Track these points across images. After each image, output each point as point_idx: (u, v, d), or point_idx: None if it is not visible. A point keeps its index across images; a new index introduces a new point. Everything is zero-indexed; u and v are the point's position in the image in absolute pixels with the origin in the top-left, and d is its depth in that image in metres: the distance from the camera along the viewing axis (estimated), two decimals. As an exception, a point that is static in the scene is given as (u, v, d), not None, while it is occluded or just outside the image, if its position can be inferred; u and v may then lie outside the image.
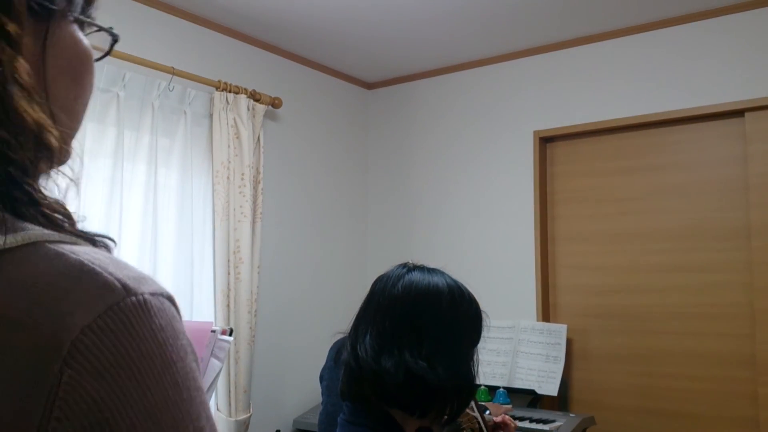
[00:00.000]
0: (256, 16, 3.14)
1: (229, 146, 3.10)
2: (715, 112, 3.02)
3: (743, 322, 2.93)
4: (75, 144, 0.56)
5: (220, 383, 2.98)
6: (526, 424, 2.79)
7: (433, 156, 3.84)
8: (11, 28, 0.50)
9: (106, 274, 0.46)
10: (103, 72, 2.65)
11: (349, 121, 4.00)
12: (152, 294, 0.48)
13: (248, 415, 3.07)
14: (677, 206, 3.13)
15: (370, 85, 4.12)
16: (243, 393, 3.04)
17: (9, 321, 0.44)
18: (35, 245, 0.47)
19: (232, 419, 3.00)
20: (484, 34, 3.35)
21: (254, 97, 3.24)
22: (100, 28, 0.61)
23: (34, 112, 0.49)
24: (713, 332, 3.00)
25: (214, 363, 1.31)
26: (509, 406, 2.98)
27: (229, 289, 3.05)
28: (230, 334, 1.36)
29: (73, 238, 0.50)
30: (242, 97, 3.17)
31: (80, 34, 0.59)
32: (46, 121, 0.50)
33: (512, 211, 3.51)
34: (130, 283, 0.47)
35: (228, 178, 3.08)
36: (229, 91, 3.13)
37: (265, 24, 3.24)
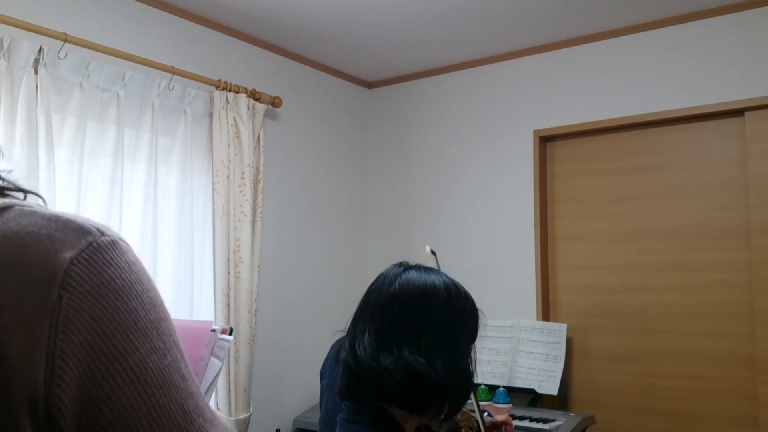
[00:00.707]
0: (256, 15, 3.14)
1: (229, 145, 3.10)
2: (715, 112, 3.02)
3: (743, 321, 2.93)
4: None
5: (220, 382, 2.99)
6: (526, 424, 2.79)
7: (433, 155, 3.84)
8: None
9: (80, 221, 0.57)
10: (103, 71, 2.65)
11: (349, 120, 4.00)
12: (119, 238, 0.58)
13: (248, 414, 3.07)
14: (677, 206, 3.13)
15: (370, 85, 4.12)
16: (243, 392, 3.04)
17: (4, 263, 0.52)
18: (9, 207, 0.57)
19: (232, 418, 3.00)
20: (484, 33, 3.35)
21: (254, 96, 3.24)
22: None
23: None
24: (713, 332, 3.00)
25: (214, 362, 1.31)
26: (509, 406, 2.99)
27: (229, 289, 3.05)
28: (230, 334, 1.36)
29: (31, 202, 0.60)
30: (242, 96, 3.17)
31: None
32: None
33: (512, 211, 3.51)
34: (101, 227, 0.57)
35: (228, 177, 3.08)
36: (229, 90, 3.13)
37: (265, 23, 3.24)
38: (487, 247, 3.59)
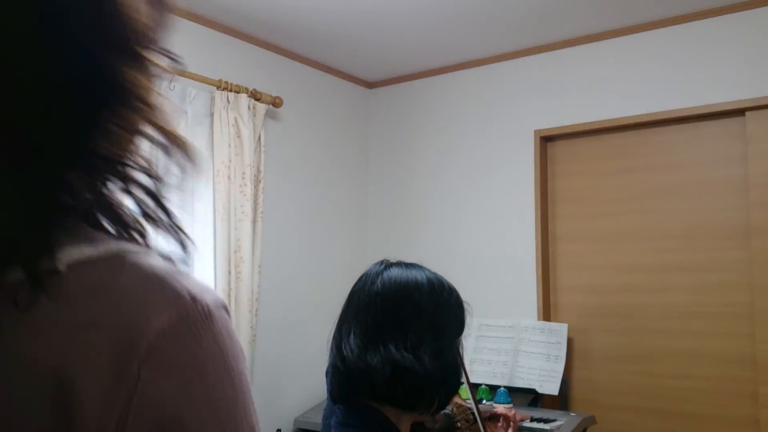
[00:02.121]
0: (257, 15, 3.14)
1: (229, 145, 3.10)
2: (715, 112, 3.02)
3: (743, 321, 2.93)
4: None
5: (221, 382, 2.98)
6: (526, 423, 2.79)
7: (433, 155, 3.84)
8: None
9: (176, 285, 0.53)
10: (104, 71, 2.65)
11: (350, 120, 4.00)
12: (214, 303, 0.54)
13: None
14: (677, 206, 3.13)
15: (370, 85, 4.12)
16: (244, 392, 3.04)
17: (91, 324, 0.50)
18: (115, 257, 0.53)
19: (233, 418, 3.00)
20: (485, 33, 3.35)
21: (255, 96, 3.25)
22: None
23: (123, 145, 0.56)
24: (713, 332, 3.00)
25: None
26: (510, 406, 2.99)
27: (229, 289, 3.05)
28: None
29: (146, 250, 0.56)
30: (243, 96, 3.17)
31: None
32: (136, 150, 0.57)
33: (513, 211, 3.51)
34: (195, 291, 0.53)
35: (229, 177, 3.08)
36: (230, 91, 3.14)
37: (266, 23, 3.24)
38: (487, 246, 3.59)
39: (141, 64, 0.58)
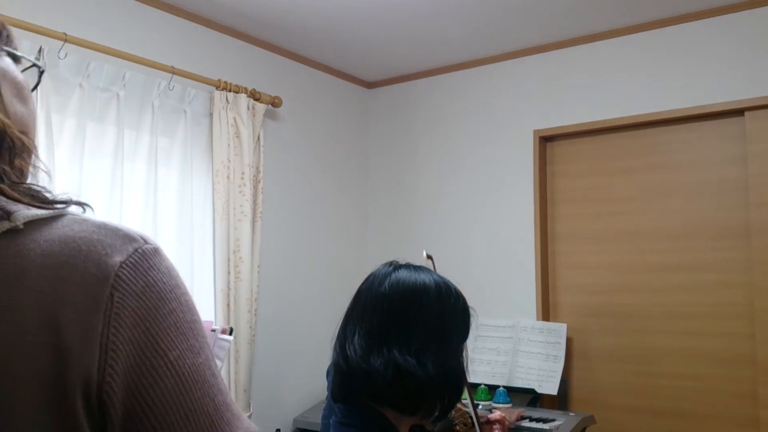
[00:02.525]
0: (256, 15, 3.14)
1: (229, 145, 3.10)
2: (715, 112, 3.02)
3: (743, 321, 2.93)
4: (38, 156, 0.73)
5: (220, 382, 2.98)
6: (526, 423, 2.79)
7: (433, 155, 3.84)
8: None
9: (125, 229, 0.64)
10: (103, 71, 2.65)
11: (349, 120, 4.00)
12: (157, 245, 0.66)
13: (248, 414, 3.07)
14: (677, 206, 3.13)
15: (370, 84, 4.12)
16: (243, 392, 3.04)
17: (63, 263, 0.59)
18: (62, 215, 0.64)
19: (232, 418, 3.00)
20: (484, 33, 3.34)
21: (254, 96, 3.24)
22: (28, 59, 0.77)
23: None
24: (713, 332, 3.00)
25: (214, 362, 1.31)
26: (509, 406, 2.99)
27: (229, 289, 3.05)
28: (230, 333, 1.36)
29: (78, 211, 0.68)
30: (242, 96, 3.17)
31: (11, 67, 0.73)
32: (6, 123, 0.66)
33: (512, 211, 3.51)
34: (144, 236, 0.65)
35: (228, 177, 3.08)
36: (229, 90, 3.13)
37: (265, 23, 3.24)
38: (487, 247, 3.59)
39: None
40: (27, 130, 0.70)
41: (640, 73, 3.21)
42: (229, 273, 3.05)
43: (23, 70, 0.75)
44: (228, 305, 3.04)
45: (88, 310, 0.58)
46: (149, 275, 0.62)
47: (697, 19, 3.07)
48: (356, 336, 1.24)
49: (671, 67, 3.13)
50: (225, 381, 2.97)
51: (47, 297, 0.58)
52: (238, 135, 3.14)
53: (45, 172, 0.71)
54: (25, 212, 0.62)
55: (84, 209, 0.69)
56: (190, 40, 3.10)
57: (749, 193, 2.94)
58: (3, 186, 0.64)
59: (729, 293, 2.98)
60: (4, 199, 0.63)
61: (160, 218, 2.84)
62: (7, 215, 0.61)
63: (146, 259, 0.63)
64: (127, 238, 0.63)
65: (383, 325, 1.23)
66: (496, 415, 1.65)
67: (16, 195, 0.64)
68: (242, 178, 3.13)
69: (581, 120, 3.35)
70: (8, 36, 0.74)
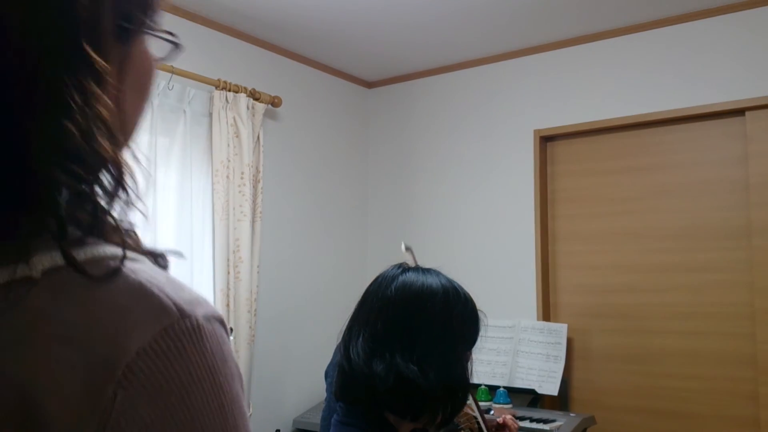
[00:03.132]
0: (256, 14, 3.14)
1: (228, 145, 3.09)
2: (715, 112, 3.01)
3: (744, 321, 2.92)
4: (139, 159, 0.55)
5: (220, 383, 2.98)
6: (526, 424, 2.79)
7: (433, 155, 3.83)
8: (100, 65, 0.49)
9: (162, 297, 0.47)
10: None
11: (349, 119, 3.99)
12: (205, 318, 0.49)
13: (248, 414, 3.06)
14: (677, 205, 3.13)
15: (370, 84, 4.11)
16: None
17: (64, 338, 0.45)
18: (96, 262, 0.48)
19: (232, 419, 2.99)
20: (484, 33, 3.34)
21: (254, 95, 3.24)
22: (165, 39, 0.60)
23: (112, 152, 0.49)
24: (713, 332, 2.99)
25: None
26: (509, 406, 2.98)
27: (228, 289, 3.04)
28: (230, 334, 1.36)
29: (136, 255, 0.51)
30: (242, 95, 3.16)
31: (148, 47, 0.58)
32: (121, 158, 0.50)
33: (512, 211, 3.51)
34: (185, 306, 0.48)
35: (228, 177, 3.08)
36: (229, 90, 3.13)
37: (265, 22, 3.23)
38: (487, 247, 3.58)
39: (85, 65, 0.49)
40: (129, 128, 0.55)
41: (640, 73, 3.20)
42: (228, 273, 3.05)
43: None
44: (228, 305, 3.04)
45: (80, 408, 0.44)
46: (173, 367, 0.46)
47: (697, 19, 3.07)
48: (360, 339, 1.23)
49: (671, 67, 3.12)
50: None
51: (33, 377, 0.44)
52: (237, 135, 3.14)
53: (144, 214, 0.55)
54: (47, 256, 0.47)
55: (159, 261, 0.54)
56: (189, 40, 3.09)
57: (750, 193, 2.94)
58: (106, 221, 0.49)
59: (730, 293, 2.97)
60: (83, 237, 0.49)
61: (159, 218, 2.84)
62: (26, 255, 0.47)
63: (175, 344, 0.46)
64: (160, 311, 0.47)
65: (387, 330, 1.22)
66: (502, 418, 1.64)
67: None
68: (242, 178, 3.12)
69: (581, 120, 3.34)
70: (152, 7, 0.59)
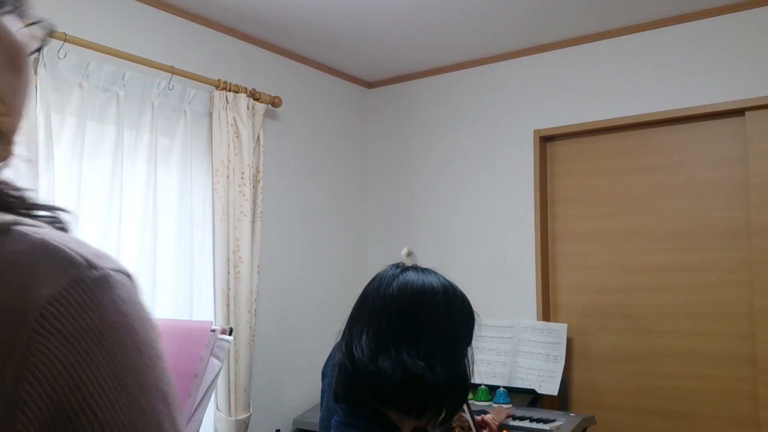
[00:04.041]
0: (256, 14, 3.14)
1: (228, 145, 3.09)
2: (715, 112, 3.01)
3: (743, 321, 2.93)
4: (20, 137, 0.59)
5: (220, 383, 2.98)
6: (526, 424, 2.79)
7: (433, 155, 3.83)
8: None
9: (68, 250, 0.50)
10: (102, 71, 2.65)
11: (349, 120, 4.00)
12: (113, 269, 0.52)
13: (248, 414, 3.07)
14: (677, 206, 3.13)
15: (370, 84, 4.11)
16: (243, 392, 3.04)
17: None
18: (9, 231, 0.51)
19: (232, 419, 3.00)
20: (484, 33, 3.34)
21: (254, 96, 3.24)
22: (35, 23, 0.62)
23: None
24: (713, 332, 3.00)
25: (214, 362, 1.31)
26: (509, 406, 2.98)
27: (228, 289, 3.05)
28: (230, 334, 1.36)
29: (35, 221, 0.54)
30: (242, 96, 3.17)
31: (13, 28, 0.58)
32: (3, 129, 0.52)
33: (512, 211, 3.51)
34: (93, 258, 0.51)
35: (228, 177, 3.08)
36: (229, 90, 3.13)
37: (265, 23, 3.23)
38: (487, 247, 3.58)
39: None
40: (10, 108, 0.57)
41: (640, 73, 3.20)
42: (228, 273, 3.05)
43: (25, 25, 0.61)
44: (228, 305, 3.04)
45: None
46: (86, 313, 0.48)
47: (697, 19, 3.07)
48: (363, 337, 1.23)
49: (671, 67, 3.13)
50: (225, 382, 2.98)
51: None
52: (237, 135, 3.14)
53: (29, 160, 0.62)
54: None
55: (55, 215, 0.57)
56: (189, 40, 3.10)
57: (750, 193, 2.94)
58: None
59: (729, 293, 2.97)
60: None
61: (159, 218, 2.84)
62: None
63: (85, 292, 0.49)
64: (67, 262, 0.49)
65: (391, 327, 1.22)
66: (481, 417, 1.66)
67: None
68: (242, 178, 3.13)
69: (581, 120, 3.35)
70: None
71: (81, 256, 0.50)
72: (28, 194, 0.56)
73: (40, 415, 0.46)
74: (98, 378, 0.48)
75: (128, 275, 0.53)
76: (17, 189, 0.55)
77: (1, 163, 0.56)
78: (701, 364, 3.01)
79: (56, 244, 0.51)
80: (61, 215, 0.57)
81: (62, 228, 0.56)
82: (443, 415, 1.23)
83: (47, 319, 0.47)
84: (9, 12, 0.58)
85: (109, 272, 0.51)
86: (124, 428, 0.48)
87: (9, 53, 0.57)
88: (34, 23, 0.61)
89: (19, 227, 0.51)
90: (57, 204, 0.58)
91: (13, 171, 0.57)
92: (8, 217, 0.52)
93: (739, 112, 2.98)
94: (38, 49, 0.63)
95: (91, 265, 0.50)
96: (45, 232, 0.52)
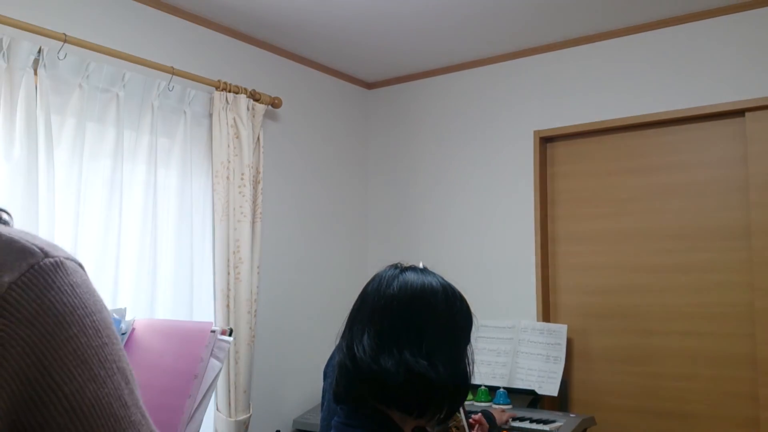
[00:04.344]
0: (256, 15, 3.14)
1: (228, 146, 3.09)
2: (715, 112, 3.02)
3: (743, 322, 2.93)
4: None
5: (220, 383, 2.98)
6: (526, 425, 2.79)
7: (433, 156, 3.84)
8: None
9: (23, 241, 0.55)
10: (102, 72, 2.65)
11: (349, 120, 4.00)
12: (66, 258, 0.56)
13: (248, 415, 3.06)
14: (677, 206, 3.13)
15: (370, 85, 4.12)
16: (243, 393, 3.04)
17: None
18: None
19: (232, 419, 3.00)
20: (484, 34, 3.34)
21: (254, 96, 3.24)
22: None
23: None
24: (713, 332, 3.00)
25: (214, 363, 1.31)
26: (509, 407, 2.98)
27: (228, 289, 3.05)
28: (230, 335, 1.36)
29: None
30: (242, 96, 3.17)
31: None
32: None
33: (512, 211, 3.51)
34: (46, 247, 0.56)
35: (228, 178, 3.08)
36: (229, 91, 3.13)
37: (265, 23, 3.24)
38: (487, 247, 3.58)
39: None
40: None
41: (640, 73, 3.21)
42: (228, 274, 3.05)
43: None
44: (228, 306, 3.04)
45: None
46: (45, 296, 0.52)
47: (697, 20, 3.07)
48: (365, 337, 1.23)
49: (671, 68, 3.13)
50: (225, 382, 2.98)
51: None
52: (237, 136, 3.14)
53: None
54: None
55: None
56: (190, 41, 3.10)
57: (749, 193, 2.94)
58: None
59: (729, 293, 2.97)
60: None
61: (159, 219, 2.84)
62: None
63: (43, 277, 0.53)
64: (24, 252, 0.54)
65: (393, 326, 1.23)
66: (476, 417, 1.68)
67: None
68: (242, 179, 3.13)
69: (581, 120, 3.35)
70: None
71: (36, 246, 0.55)
72: None
73: (11, 392, 0.50)
74: (61, 356, 0.52)
75: (79, 264, 0.58)
76: None
77: None
78: (701, 364, 3.01)
79: (12, 236, 0.55)
80: (3, 215, 0.62)
81: (6, 224, 0.61)
82: (443, 414, 1.23)
83: (9, 303, 0.51)
84: None
85: (63, 259, 0.56)
86: (88, 400, 0.53)
87: None
88: None
89: None
90: None
91: None
92: None
93: (739, 112, 2.98)
94: None
95: (46, 254, 0.55)
96: (2, 227, 0.56)
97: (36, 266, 0.53)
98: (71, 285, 0.55)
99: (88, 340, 0.54)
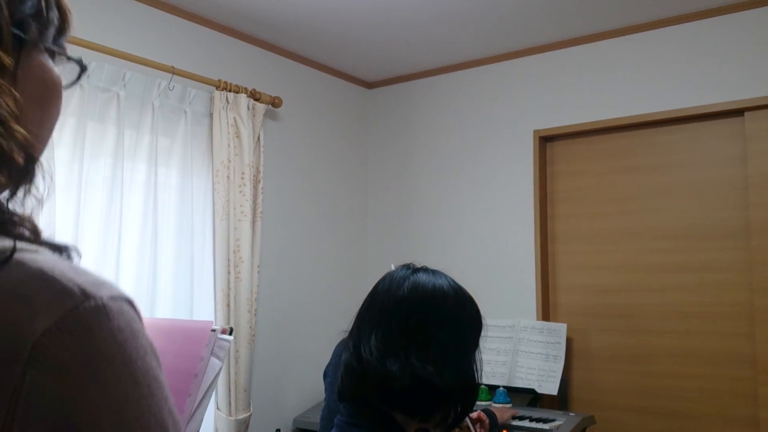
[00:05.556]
0: (257, 15, 3.14)
1: (229, 145, 3.10)
2: (714, 112, 3.02)
3: (743, 321, 2.93)
4: (43, 163, 0.58)
5: (221, 382, 2.99)
6: (526, 424, 2.79)
7: (432, 155, 3.84)
8: (6, 61, 0.53)
9: (64, 281, 0.49)
10: (103, 71, 2.65)
11: (349, 120, 4.00)
12: (111, 298, 0.51)
13: (248, 414, 3.07)
14: (677, 206, 3.13)
15: (370, 85, 4.12)
16: (243, 392, 3.04)
17: None
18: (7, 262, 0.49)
19: (232, 418, 3.00)
20: (484, 33, 3.35)
21: (254, 96, 3.24)
22: (70, 59, 0.63)
23: (14, 146, 0.52)
24: (713, 332, 3.00)
25: (214, 362, 1.31)
26: (509, 406, 2.99)
27: (229, 289, 3.05)
28: (230, 334, 1.36)
29: (35, 247, 0.53)
30: (242, 96, 3.17)
31: (50, 63, 0.60)
32: (20, 155, 0.52)
33: (512, 211, 3.51)
34: (89, 288, 0.50)
35: (228, 177, 3.08)
36: (230, 91, 3.13)
37: (266, 23, 3.24)
38: (487, 247, 3.59)
39: None
40: (32, 144, 0.56)
41: (640, 73, 3.21)
42: (229, 273, 3.05)
43: (57, 63, 0.62)
44: (228, 305, 3.04)
45: None
46: (81, 346, 0.47)
47: (697, 19, 3.07)
48: (372, 338, 1.22)
49: (671, 67, 3.13)
50: (225, 381, 2.98)
51: None
52: (238, 135, 3.14)
53: (38, 200, 0.56)
54: None
55: (62, 254, 0.55)
56: (190, 40, 3.10)
57: (749, 193, 2.94)
58: None
59: (729, 293, 2.98)
60: None
61: (160, 218, 2.84)
62: None
63: (81, 323, 0.48)
64: (63, 293, 0.48)
65: (401, 329, 1.21)
66: (473, 415, 1.68)
67: None
68: (242, 178, 3.13)
69: (581, 120, 3.35)
70: (62, 28, 0.61)
71: (77, 286, 0.49)
72: (33, 224, 0.55)
73: None
74: (92, 412, 0.47)
75: (127, 301, 0.52)
76: (20, 215, 0.54)
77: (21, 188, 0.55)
78: (701, 364, 3.01)
79: (52, 274, 0.49)
80: (71, 252, 0.57)
81: (61, 251, 0.56)
82: (450, 420, 1.22)
83: (42, 352, 0.46)
84: (47, 47, 0.59)
85: (106, 301, 0.50)
86: None
87: (40, 89, 0.58)
88: (70, 59, 0.62)
89: (17, 255, 0.50)
90: (66, 242, 0.57)
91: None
92: (7, 243, 0.51)
93: (738, 112, 2.98)
94: (74, 83, 0.64)
95: (86, 296, 0.49)
96: (43, 259, 0.51)
97: (74, 311, 0.48)
98: (111, 330, 0.49)
99: (124, 393, 0.49)
